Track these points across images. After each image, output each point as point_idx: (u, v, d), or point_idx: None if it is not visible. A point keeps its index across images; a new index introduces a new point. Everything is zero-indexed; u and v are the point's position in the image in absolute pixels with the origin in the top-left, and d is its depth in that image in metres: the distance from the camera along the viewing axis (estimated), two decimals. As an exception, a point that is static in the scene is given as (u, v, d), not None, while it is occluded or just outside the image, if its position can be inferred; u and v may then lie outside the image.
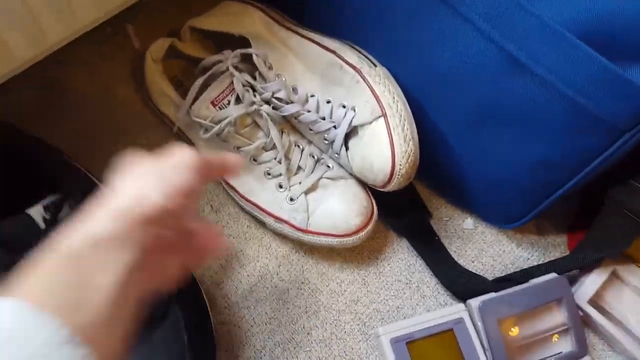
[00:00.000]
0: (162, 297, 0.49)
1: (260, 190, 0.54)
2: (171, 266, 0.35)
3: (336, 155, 0.53)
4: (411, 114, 0.50)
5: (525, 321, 0.52)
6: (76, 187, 0.47)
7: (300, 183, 0.53)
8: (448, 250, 0.57)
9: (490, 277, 0.56)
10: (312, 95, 0.54)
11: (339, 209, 0.52)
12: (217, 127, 0.51)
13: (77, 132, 0.57)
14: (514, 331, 0.51)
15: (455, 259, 0.57)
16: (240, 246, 0.56)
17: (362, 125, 0.51)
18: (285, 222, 0.53)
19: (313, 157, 0.54)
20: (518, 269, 0.57)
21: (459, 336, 0.51)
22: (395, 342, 0.50)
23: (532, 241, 0.59)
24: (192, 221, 0.37)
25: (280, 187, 0.53)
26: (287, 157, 0.53)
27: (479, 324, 0.51)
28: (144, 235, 0.30)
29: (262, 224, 0.56)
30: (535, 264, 0.57)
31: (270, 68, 0.55)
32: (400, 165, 0.49)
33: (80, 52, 0.60)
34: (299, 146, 0.54)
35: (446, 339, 0.51)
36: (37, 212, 0.45)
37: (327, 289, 0.55)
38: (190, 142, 0.57)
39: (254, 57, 0.54)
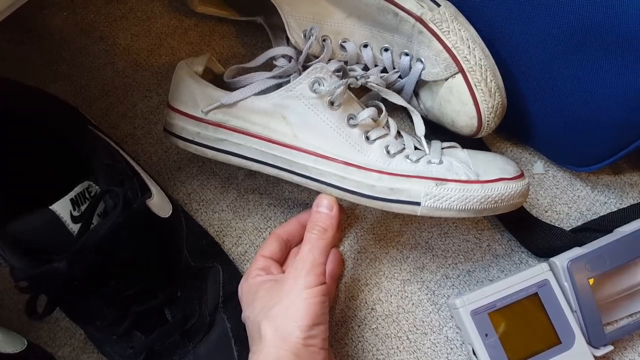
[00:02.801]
0: (207, 306, 0.42)
1: (393, 165, 0.41)
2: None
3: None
4: (492, 59, 0.42)
5: (616, 276, 0.46)
6: (107, 169, 0.38)
7: (428, 153, 0.42)
8: (518, 200, 0.50)
9: (566, 226, 0.50)
10: (364, 45, 0.46)
11: (491, 157, 0.43)
12: (342, 82, 0.40)
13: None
14: (605, 288, 0.46)
15: (527, 209, 0.50)
16: (284, 216, 0.49)
17: (435, 81, 0.43)
18: (450, 180, 0.40)
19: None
20: (595, 215, 0.51)
21: (544, 300, 0.45)
22: (475, 314, 0.44)
23: (607, 182, 0.52)
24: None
25: (409, 158, 0.41)
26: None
27: (566, 284, 0.45)
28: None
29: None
30: (613, 207, 0.51)
31: (309, 37, 0.44)
32: (488, 121, 0.43)
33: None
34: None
35: (531, 304, 0.45)
36: (63, 208, 0.36)
37: (388, 257, 0.48)
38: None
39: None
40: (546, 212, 0.51)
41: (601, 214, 0.50)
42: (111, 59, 0.52)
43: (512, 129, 0.51)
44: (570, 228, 0.50)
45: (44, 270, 0.35)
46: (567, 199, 0.51)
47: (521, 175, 0.42)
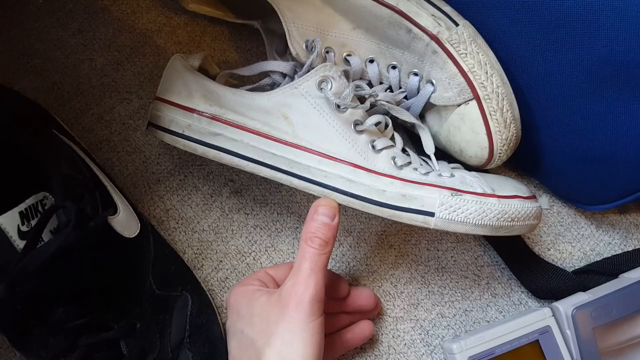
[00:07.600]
0: (170, 340, 0.38)
1: (403, 174, 0.38)
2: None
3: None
4: (510, 88, 0.39)
5: (621, 326, 0.43)
6: (66, 179, 0.34)
7: (437, 169, 0.40)
8: (522, 236, 0.47)
9: (568, 266, 0.47)
10: (370, 61, 0.42)
11: (502, 177, 0.41)
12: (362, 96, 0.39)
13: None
14: (608, 338, 0.43)
15: (530, 246, 0.47)
16: (271, 240, 0.45)
17: (444, 106, 0.40)
18: (466, 192, 0.37)
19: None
20: (599, 256, 0.48)
21: (545, 348, 0.42)
22: (473, 361, 0.41)
23: (613, 222, 0.50)
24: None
25: (417, 171, 0.39)
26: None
27: (569, 332, 0.42)
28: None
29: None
30: (617, 249, 0.49)
31: (310, 49, 0.41)
32: (500, 152, 0.40)
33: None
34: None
35: (531, 351, 0.42)
36: (10, 221, 0.32)
37: (381, 291, 0.45)
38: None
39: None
40: (549, 250, 0.48)
41: (605, 256, 0.48)
42: (89, 55, 0.47)
43: (520, 160, 0.48)
44: (573, 269, 0.47)
45: None
46: (570, 237, 0.48)
47: (534, 197, 0.40)
